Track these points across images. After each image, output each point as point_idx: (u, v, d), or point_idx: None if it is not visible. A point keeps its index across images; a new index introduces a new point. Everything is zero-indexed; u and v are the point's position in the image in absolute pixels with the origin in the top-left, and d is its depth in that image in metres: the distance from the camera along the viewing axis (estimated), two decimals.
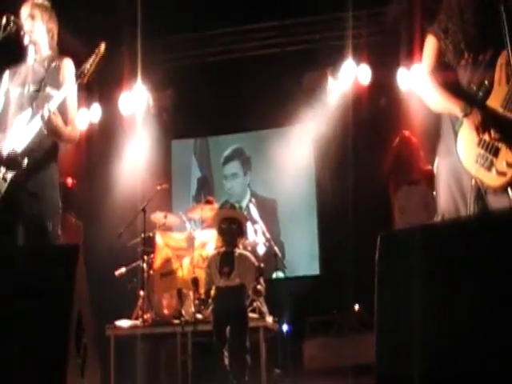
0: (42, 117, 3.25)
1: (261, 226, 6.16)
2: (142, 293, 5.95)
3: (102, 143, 7.52)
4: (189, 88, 7.69)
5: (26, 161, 3.33)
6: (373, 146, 6.93)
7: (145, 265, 6.04)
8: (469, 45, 2.61)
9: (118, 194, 7.31)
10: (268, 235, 6.14)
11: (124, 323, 5.72)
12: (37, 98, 3.41)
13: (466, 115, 2.52)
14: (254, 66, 7.47)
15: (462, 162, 2.52)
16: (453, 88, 2.64)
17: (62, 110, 3.37)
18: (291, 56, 7.45)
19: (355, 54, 7.04)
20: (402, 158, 6.60)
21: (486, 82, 2.54)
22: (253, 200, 6.71)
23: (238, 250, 4.68)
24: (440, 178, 2.66)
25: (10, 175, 3.28)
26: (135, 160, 7.41)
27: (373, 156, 6.92)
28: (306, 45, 7.52)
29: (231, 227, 4.66)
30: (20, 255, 2.15)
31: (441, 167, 2.66)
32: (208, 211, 6.23)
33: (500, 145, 2.45)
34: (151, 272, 6.06)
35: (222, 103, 7.79)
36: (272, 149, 8.07)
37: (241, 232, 4.80)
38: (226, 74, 7.63)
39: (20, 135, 3.34)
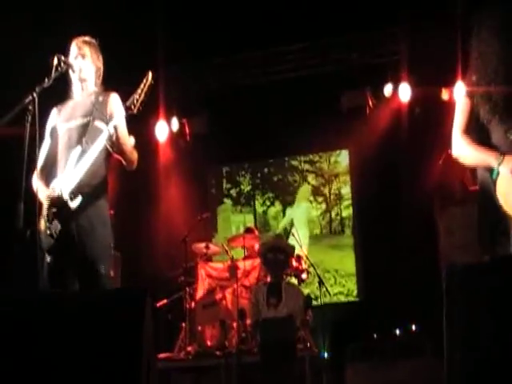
0: (109, 135, 3.37)
1: (303, 251, 6.21)
2: (183, 324, 6.05)
3: (139, 172, 7.67)
4: (224, 113, 7.87)
5: (77, 200, 3.40)
6: (416, 165, 6.94)
7: (187, 296, 6.14)
8: (501, 105, 2.77)
9: (156, 224, 7.48)
10: (310, 261, 6.20)
11: (166, 356, 5.80)
12: (85, 133, 3.50)
13: (500, 163, 2.67)
14: (292, 87, 7.54)
15: (502, 208, 2.68)
16: (485, 144, 2.79)
17: (116, 141, 3.48)
18: (327, 77, 7.52)
19: (395, 72, 7.09)
20: (447, 178, 6.58)
21: None
22: (295, 224, 6.77)
23: (285, 281, 4.75)
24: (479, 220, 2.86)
25: (58, 227, 3.33)
26: (174, 188, 7.54)
27: (416, 176, 6.91)
28: (343, 64, 7.58)
29: (278, 257, 4.75)
30: (84, 303, 2.24)
31: (479, 210, 2.85)
32: (250, 240, 6.34)
33: None
34: (193, 303, 6.17)
35: (258, 128, 7.91)
36: (319, 181, 8.16)
37: (287, 263, 4.87)
38: (260, 98, 7.73)
39: (70, 174, 3.42)
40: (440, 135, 6.68)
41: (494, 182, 2.72)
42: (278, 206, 8.44)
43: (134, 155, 3.59)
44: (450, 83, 6.75)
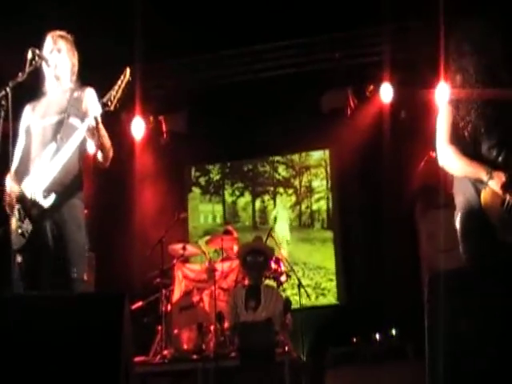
0: (89, 127, 3.34)
1: (282, 254, 6.23)
2: (159, 327, 6.03)
3: (114, 171, 7.61)
4: (202, 112, 7.85)
5: (50, 198, 3.37)
6: (397, 168, 7.02)
7: (163, 298, 6.12)
8: (487, 116, 2.92)
9: (132, 224, 7.47)
10: (289, 264, 6.24)
11: (141, 359, 5.77)
12: (60, 131, 3.47)
13: (490, 178, 2.81)
14: (271, 86, 7.56)
15: (486, 220, 2.85)
16: (472, 156, 2.92)
17: (97, 133, 3.44)
18: (309, 76, 7.55)
19: (377, 72, 7.15)
20: (428, 181, 6.64)
21: (505, 150, 2.86)
22: (273, 227, 6.80)
23: (264, 283, 4.77)
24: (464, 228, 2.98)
25: (30, 227, 3.30)
26: (151, 188, 7.52)
27: (397, 179, 7.02)
28: (324, 63, 7.61)
29: (257, 260, 4.78)
30: (60, 306, 2.23)
31: (463, 220, 2.98)
32: (228, 242, 6.37)
33: None
34: (169, 306, 6.16)
35: (238, 128, 7.95)
36: (290, 173, 8.17)
37: (267, 265, 4.89)
38: (241, 97, 7.73)
39: (44, 172, 3.39)
40: (422, 137, 6.81)
41: (479, 194, 2.85)
42: (247, 197, 8.44)
43: (111, 151, 3.58)
44: (432, 85, 6.83)
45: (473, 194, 2.89)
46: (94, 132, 3.39)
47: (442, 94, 6.72)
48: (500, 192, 2.77)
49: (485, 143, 2.92)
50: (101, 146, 3.49)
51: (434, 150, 6.34)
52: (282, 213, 8.24)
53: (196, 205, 8.54)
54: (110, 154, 3.58)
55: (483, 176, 2.83)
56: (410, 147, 6.82)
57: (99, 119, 3.42)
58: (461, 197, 2.99)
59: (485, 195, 2.83)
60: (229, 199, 8.50)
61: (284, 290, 6.42)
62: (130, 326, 2.53)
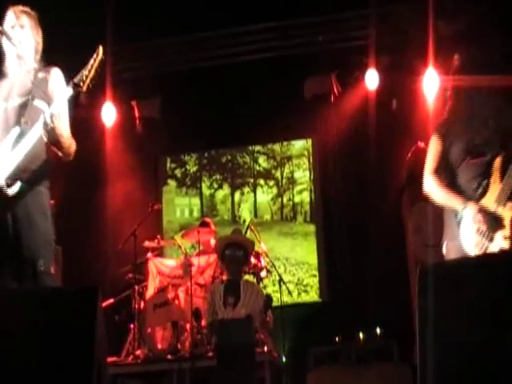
0: (45, 123, 3.21)
1: (262, 248, 6.23)
2: (132, 326, 6.01)
3: (84, 159, 7.51)
4: (177, 98, 7.78)
5: (15, 187, 3.28)
6: (384, 158, 7.05)
7: (136, 295, 6.09)
8: (470, 150, 3.25)
9: (103, 216, 7.39)
10: (270, 259, 6.24)
11: (113, 360, 5.74)
12: (24, 114, 3.37)
13: (463, 209, 3.17)
14: (250, 71, 7.52)
15: (464, 248, 3.19)
16: (453, 187, 3.27)
17: (51, 131, 3.30)
18: (291, 60, 7.51)
19: (362, 57, 7.14)
20: (416, 172, 6.66)
21: (484, 182, 3.21)
22: (253, 220, 6.77)
23: (244, 279, 4.74)
24: (449, 257, 3.30)
25: None
26: (122, 178, 7.45)
27: (384, 170, 7.04)
28: (307, 47, 7.58)
29: (236, 254, 4.74)
30: (28, 301, 2.19)
31: (449, 248, 3.31)
32: (205, 235, 6.32)
33: (493, 233, 3.11)
34: (143, 303, 6.11)
35: (213, 115, 7.87)
36: (271, 164, 8.16)
37: (246, 259, 4.87)
38: (218, 82, 7.68)
39: (7, 158, 3.29)
40: (410, 127, 6.87)
41: (459, 224, 3.20)
42: (226, 189, 8.42)
43: (72, 148, 3.46)
44: (420, 71, 6.84)
45: (454, 225, 3.24)
46: (48, 129, 3.26)
47: (431, 81, 6.80)
48: (472, 221, 3.13)
49: (468, 173, 3.26)
50: (56, 145, 3.37)
51: (422, 139, 6.44)
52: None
53: (171, 198, 8.48)
54: (71, 150, 3.46)
55: (458, 206, 3.19)
56: (398, 136, 6.86)
57: (57, 117, 3.28)
58: (446, 227, 3.35)
59: (462, 225, 3.20)
60: (206, 192, 8.44)
61: (264, 287, 6.41)
62: (103, 323, 2.50)
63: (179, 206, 8.47)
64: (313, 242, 8.00)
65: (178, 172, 8.61)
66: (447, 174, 3.32)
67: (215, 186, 8.47)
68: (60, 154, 3.44)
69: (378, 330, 6.02)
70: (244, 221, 7.33)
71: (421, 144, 6.54)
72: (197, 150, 8.58)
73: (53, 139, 3.30)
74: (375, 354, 5.69)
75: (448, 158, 3.31)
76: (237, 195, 8.37)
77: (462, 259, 3.12)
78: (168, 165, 8.63)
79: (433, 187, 3.34)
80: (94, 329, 2.03)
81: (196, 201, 8.43)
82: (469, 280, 2.37)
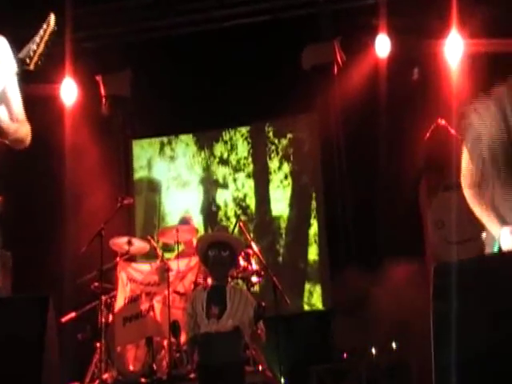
0: None
1: (254, 249, 6.22)
2: (98, 344, 5.97)
3: (38, 145, 7.48)
4: (150, 72, 7.75)
5: None
6: (397, 140, 7.02)
7: (102, 307, 6.04)
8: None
9: (62, 213, 7.33)
10: (264, 261, 6.22)
11: None
12: None
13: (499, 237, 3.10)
14: (239, 38, 7.49)
15: None
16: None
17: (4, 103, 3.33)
18: (287, 25, 7.49)
19: (371, 20, 7.13)
20: (436, 156, 6.65)
21: None
22: (241, 218, 6.77)
23: (231, 285, 4.70)
24: None
25: None
26: (85, 167, 7.41)
27: (397, 154, 7.00)
28: (306, 9, 7.55)
29: (221, 255, 4.67)
30: None
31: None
32: (185, 233, 6.27)
33: None
34: (111, 316, 6.09)
35: (193, 91, 7.86)
36: (264, 147, 8.13)
37: (233, 261, 4.83)
38: (201, 52, 7.66)
39: None
40: (428, 100, 6.85)
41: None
42: (211, 180, 8.44)
43: (24, 133, 3.45)
44: (440, 35, 6.82)
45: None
46: None
47: (454, 46, 6.78)
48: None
49: (502, 190, 3.20)
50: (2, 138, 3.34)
51: (443, 116, 6.42)
52: None
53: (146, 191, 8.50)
54: (23, 136, 3.45)
55: (495, 232, 3.14)
56: (414, 113, 6.82)
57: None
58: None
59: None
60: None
61: (256, 294, 6.39)
62: (56, 338, 2.59)
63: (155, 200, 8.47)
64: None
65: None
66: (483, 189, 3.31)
67: (198, 175, 8.46)
68: (6, 141, 3.40)
69: (394, 344, 6.01)
70: (238, 217, 7.27)
71: (441, 121, 6.54)
72: (174, 133, 8.54)
73: None
74: (390, 372, 5.69)
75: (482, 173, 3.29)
76: (225, 186, 8.36)
77: (491, 256, 3.10)
78: (140, 149, 8.61)
79: (470, 201, 3.29)
80: (43, 345, 2.02)
81: None
82: (496, 280, 2.39)
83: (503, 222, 3.13)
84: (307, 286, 7.84)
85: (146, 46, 7.73)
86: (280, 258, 8.01)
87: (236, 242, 4.95)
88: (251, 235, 6.37)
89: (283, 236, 8.07)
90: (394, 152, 7.09)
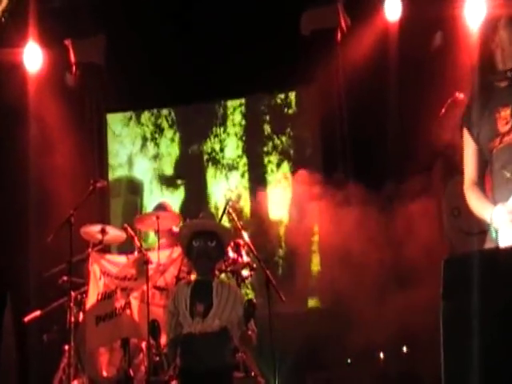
0: None
1: (245, 239, 6.21)
2: (66, 347, 5.95)
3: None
4: (127, 36, 7.71)
5: None
6: (408, 117, 7.04)
7: (72, 304, 6.02)
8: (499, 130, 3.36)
9: (25, 198, 7.30)
10: (255, 253, 6.20)
11: None
12: None
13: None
14: (229, 2, 7.46)
15: None
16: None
17: None
18: None
19: None
20: (452, 134, 6.67)
21: None
22: (230, 203, 6.72)
23: (218, 280, 4.70)
24: None
25: None
26: (52, 145, 7.38)
27: (408, 132, 7.03)
28: None
29: (207, 246, 4.66)
30: None
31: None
32: (167, 220, 6.27)
33: None
34: (81, 315, 6.08)
35: (176, 58, 7.86)
36: (259, 124, 8.12)
37: (221, 252, 4.81)
38: (186, 14, 7.62)
39: None
40: (444, 71, 6.84)
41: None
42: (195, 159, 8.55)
43: None
44: None
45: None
46: None
47: (475, 9, 6.76)
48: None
49: (498, 161, 3.36)
50: None
51: (461, 89, 6.42)
52: None
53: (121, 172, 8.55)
54: None
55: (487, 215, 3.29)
56: (428, 85, 6.81)
57: None
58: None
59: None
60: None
61: (246, 290, 6.42)
62: (13, 341, 2.48)
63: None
64: None
65: (129, 137, 8.62)
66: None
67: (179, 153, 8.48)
68: None
69: (405, 348, 6.02)
70: (228, 201, 7.30)
71: (459, 95, 6.53)
72: (154, 106, 8.59)
73: None
74: (399, 380, 5.72)
75: (480, 146, 3.45)
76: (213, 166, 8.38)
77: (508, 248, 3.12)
78: (114, 125, 8.60)
79: (470, 202, 3.51)
80: None
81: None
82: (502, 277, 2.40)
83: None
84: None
85: (122, 6, 7.67)
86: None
87: (224, 230, 4.93)
88: (241, 223, 6.32)
89: None
90: (404, 130, 7.12)
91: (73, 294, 6.09)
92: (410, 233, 6.56)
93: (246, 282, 6.17)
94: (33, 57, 7.50)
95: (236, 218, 6.29)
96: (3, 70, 7.18)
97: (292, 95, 8.35)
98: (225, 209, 6.31)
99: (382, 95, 7.16)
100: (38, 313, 6.19)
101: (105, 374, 5.87)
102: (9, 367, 2.84)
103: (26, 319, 6.09)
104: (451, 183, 6.67)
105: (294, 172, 8.04)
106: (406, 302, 6.01)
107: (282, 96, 8.38)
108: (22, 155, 7.39)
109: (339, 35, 7.56)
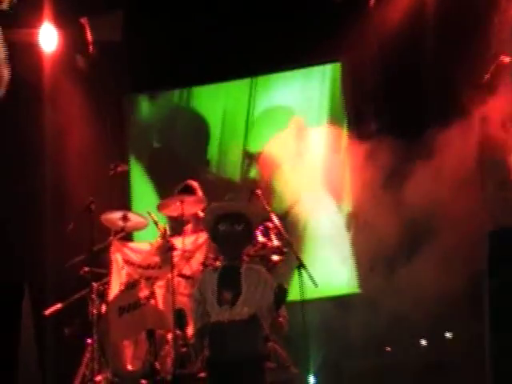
0: None
1: (274, 221, 6.18)
2: (89, 341, 5.99)
3: (13, 104, 7.47)
4: (146, 12, 7.80)
5: None
6: (449, 87, 6.89)
7: (94, 296, 6.05)
8: None
9: (44, 185, 7.36)
10: (287, 235, 6.19)
11: None
12: None
13: None
14: None
15: None
16: None
17: None
18: None
19: None
20: (497, 101, 6.61)
21: None
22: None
23: (246, 265, 4.66)
24: None
25: None
26: (69, 128, 7.39)
27: (449, 104, 6.89)
28: None
29: (234, 229, 4.61)
30: None
31: None
32: (191, 205, 6.25)
33: None
34: (104, 306, 6.08)
35: (197, 35, 7.83)
36: (287, 101, 8.11)
37: (249, 236, 4.77)
38: None
39: None
40: (489, 34, 6.74)
41: None
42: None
43: (5, 72, 3.50)
44: None
45: None
46: None
47: None
48: None
49: None
50: None
51: (508, 52, 6.35)
52: None
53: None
54: (3, 86, 3.49)
55: None
56: (471, 50, 6.71)
57: None
58: None
59: None
60: None
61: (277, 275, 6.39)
62: (32, 332, 2.72)
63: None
64: None
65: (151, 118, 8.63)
66: None
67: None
68: None
69: (448, 334, 5.94)
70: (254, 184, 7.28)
71: (505, 59, 6.47)
72: (176, 86, 8.58)
73: None
74: (442, 368, 5.66)
75: None
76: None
77: None
78: (135, 106, 8.62)
79: None
80: (18, 339, 2.05)
81: None
82: None
83: None
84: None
85: None
86: None
87: (252, 212, 4.88)
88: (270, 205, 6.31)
89: None
90: (444, 103, 7.01)
91: (94, 284, 6.10)
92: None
93: (277, 266, 6.13)
94: (48, 37, 7.52)
95: (263, 200, 6.25)
96: (19, 51, 7.19)
97: (318, 71, 8.34)
98: (253, 191, 6.28)
99: (419, 67, 7.15)
100: (58, 305, 6.21)
101: (130, 367, 5.86)
102: (29, 364, 2.85)
103: (47, 312, 6.12)
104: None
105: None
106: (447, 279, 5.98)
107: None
108: (38, 139, 7.44)
109: (372, 1, 7.48)
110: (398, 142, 7.01)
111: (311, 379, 5.58)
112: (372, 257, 6.94)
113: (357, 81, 7.87)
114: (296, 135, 8.13)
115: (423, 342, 6.04)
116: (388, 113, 7.47)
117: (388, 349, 6.03)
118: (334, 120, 8.17)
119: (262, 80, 8.48)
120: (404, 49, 7.17)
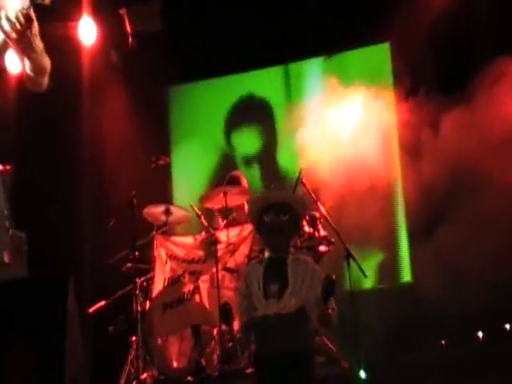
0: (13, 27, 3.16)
1: (321, 210, 6.18)
2: (134, 338, 6.05)
3: (54, 97, 7.53)
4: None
5: None
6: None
7: (137, 292, 6.11)
8: None
9: (84, 180, 7.39)
10: (334, 226, 6.16)
11: None
12: None
13: None
14: None
15: None
16: None
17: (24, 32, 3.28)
18: None
19: None
20: None
21: None
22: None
23: (293, 256, 4.63)
24: None
25: None
26: (110, 122, 7.44)
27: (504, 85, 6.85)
28: None
29: (280, 220, 4.58)
30: None
31: None
32: (236, 196, 6.25)
33: None
34: (148, 303, 6.14)
35: (237, 24, 7.86)
36: (329, 88, 8.07)
37: (295, 227, 4.74)
38: None
39: None
40: None
41: None
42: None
43: (46, 62, 3.49)
44: None
45: None
46: (22, 37, 3.23)
47: None
48: None
49: None
50: (32, 63, 3.40)
51: None
52: None
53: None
54: (45, 64, 3.49)
55: None
56: None
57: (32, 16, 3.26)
58: None
59: None
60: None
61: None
62: (78, 329, 2.86)
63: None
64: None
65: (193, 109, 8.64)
66: None
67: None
68: (30, 82, 3.49)
69: (508, 326, 5.85)
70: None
71: None
72: (218, 75, 8.58)
73: (24, 45, 3.29)
74: (501, 363, 5.58)
75: None
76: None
77: None
78: (176, 97, 8.67)
79: None
80: (65, 334, 2.08)
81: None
82: None
83: None
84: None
85: None
86: None
87: (298, 202, 4.85)
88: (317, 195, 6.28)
89: None
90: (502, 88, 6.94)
91: (138, 281, 6.16)
92: None
93: (324, 257, 6.11)
94: (87, 31, 7.58)
95: (310, 188, 6.22)
96: (58, 44, 7.26)
97: (366, 54, 8.33)
98: (298, 178, 6.24)
99: (472, 49, 7.19)
100: (102, 303, 6.30)
101: (175, 364, 5.92)
102: (76, 363, 2.88)
103: (91, 310, 6.20)
104: None
105: None
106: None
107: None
108: (78, 132, 7.48)
109: None
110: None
111: (362, 373, 5.52)
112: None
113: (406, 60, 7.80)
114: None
115: (480, 335, 5.93)
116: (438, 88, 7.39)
117: (443, 342, 5.94)
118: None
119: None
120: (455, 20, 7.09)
